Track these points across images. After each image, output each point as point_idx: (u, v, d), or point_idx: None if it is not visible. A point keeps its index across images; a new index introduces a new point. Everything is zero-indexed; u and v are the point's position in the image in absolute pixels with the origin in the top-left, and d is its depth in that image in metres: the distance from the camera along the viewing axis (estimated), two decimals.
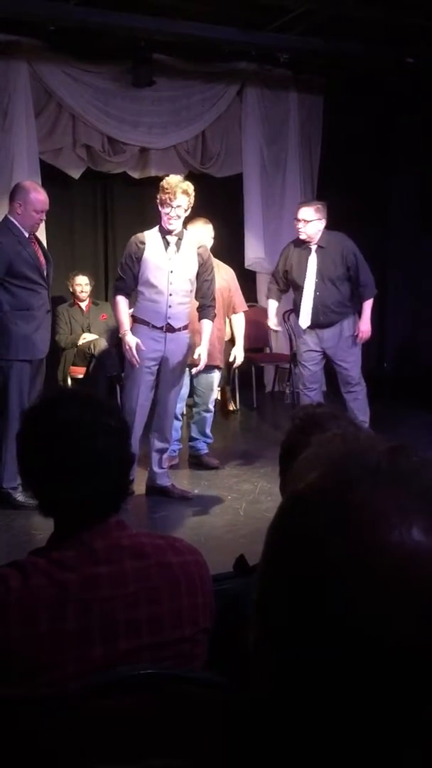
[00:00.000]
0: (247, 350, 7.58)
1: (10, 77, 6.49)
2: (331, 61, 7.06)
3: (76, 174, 7.01)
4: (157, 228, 4.44)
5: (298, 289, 5.44)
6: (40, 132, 6.69)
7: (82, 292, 6.80)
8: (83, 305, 6.79)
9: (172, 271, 4.36)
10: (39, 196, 4.51)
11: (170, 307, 4.37)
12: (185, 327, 4.53)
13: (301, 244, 5.40)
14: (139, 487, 4.71)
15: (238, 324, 5.49)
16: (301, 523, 0.57)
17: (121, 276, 4.50)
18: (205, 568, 1.46)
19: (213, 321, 4.68)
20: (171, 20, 6.10)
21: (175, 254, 4.38)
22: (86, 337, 6.66)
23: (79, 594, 1.29)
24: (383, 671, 0.53)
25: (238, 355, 5.43)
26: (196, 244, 4.50)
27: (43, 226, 6.69)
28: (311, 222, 5.26)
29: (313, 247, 5.33)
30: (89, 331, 6.72)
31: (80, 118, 6.80)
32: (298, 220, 5.30)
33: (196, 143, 7.42)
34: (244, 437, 6.59)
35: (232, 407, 7.17)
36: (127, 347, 4.34)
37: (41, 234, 6.72)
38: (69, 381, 6.72)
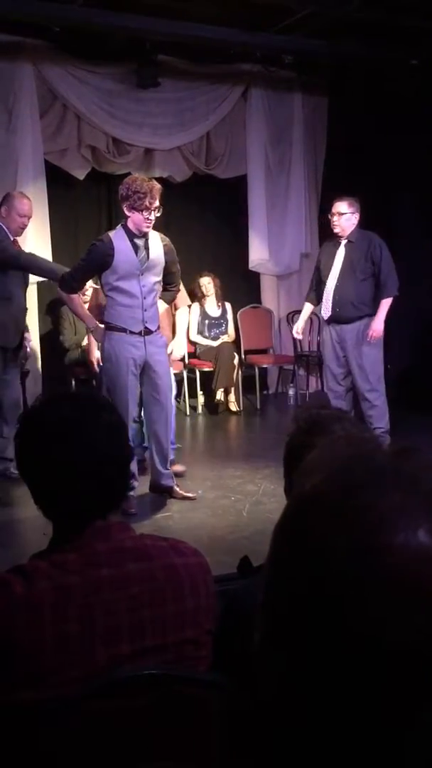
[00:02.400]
0: (250, 352, 7.62)
1: (15, 78, 6.50)
2: (336, 62, 7.06)
3: (80, 175, 7.02)
4: (121, 230, 4.31)
5: (323, 282, 5.47)
6: (45, 133, 6.70)
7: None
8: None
9: (142, 274, 4.31)
10: (24, 200, 4.86)
11: (145, 310, 4.33)
12: (158, 327, 4.53)
13: (334, 240, 5.47)
14: (141, 488, 4.73)
15: (182, 318, 5.36)
16: (306, 525, 0.57)
17: (78, 277, 4.43)
18: (208, 571, 1.45)
19: (169, 303, 4.78)
20: (176, 21, 6.11)
21: (145, 257, 4.32)
22: None
23: (82, 597, 1.28)
24: (389, 673, 0.53)
25: (175, 349, 5.17)
26: (161, 240, 4.43)
27: (47, 224, 6.75)
28: (345, 215, 5.34)
29: (343, 242, 5.40)
30: None
31: (85, 119, 6.81)
32: (333, 214, 5.37)
33: (200, 144, 7.42)
34: (248, 439, 6.59)
35: (235, 408, 7.17)
36: (94, 358, 4.83)
37: (45, 233, 6.75)
38: (73, 381, 6.72)
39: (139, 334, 4.33)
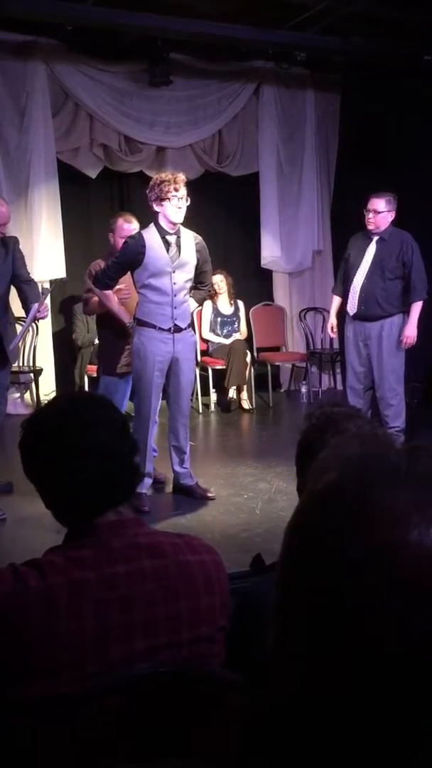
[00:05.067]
0: (263, 349, 7.62)
1: (27, 77, 6.53)
2: (348, 59, 7.04)
3: (93, 173, 7.04)
4: (153, 228, 4.33)
5: (351, 278, 5.42)
6: (57, 132, 6.72)
7: None
8: None
9: (174, 271, 4.33)
10: (1, 209, 4.50)
11: (175, 308, 4.35)
12: (189, 325, 4.55)
13: (366, 235, 5.40)
14: (162, 487, 4.77)
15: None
16: (320, 523, 0.57)
17: (110, 274, 4.40)
18: (222, 568, 1.46)
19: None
20: (187, 19, 6.11)
21: (176, 255, 4.32)
22: None
23: (97, 593, 1.29)
24: (405, 671, 0.53)
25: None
26: (193, 239, 4.44)
27: (59, 224, 6.78)
28: (381, 213, 5.27)
29: (375, 238, 5.34)
30: None
31: (97, 117, 6.83)
32: (368, 210, 5.29)
33: (212, 142, 7.43)
34: (260, 436, 6.59)
35: (247, 406, 7.17)
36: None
37: (57, 232, 6.78)
38: (86, 379, 6.75)
39: (169, 331, 4.35)
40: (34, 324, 5.14)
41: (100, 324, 4.95)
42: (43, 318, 4.69)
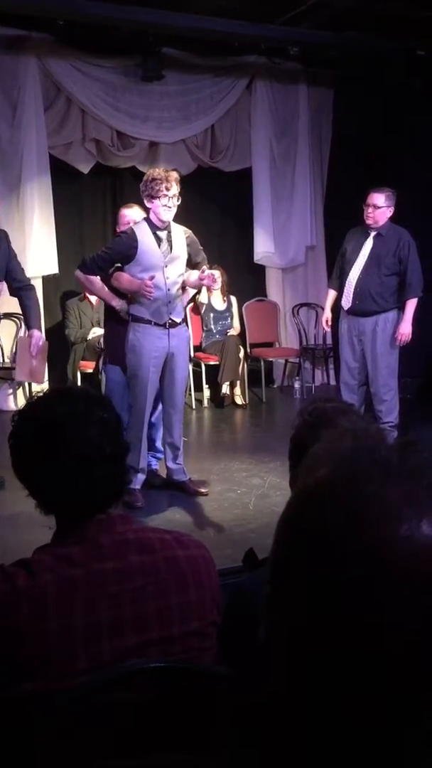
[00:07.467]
0: (256, 345, 7.62)
1: (19, 72, 6.50)
2: (342, 53, 7.03)
3: (85, 168, 7.01)
4: (143, 223, 4.35)
5: (346, 272, 5.41)
6: (49, 127, 6.70)
7: None
8: (93, 299, 6.78)
9: (166, 266, 4.32)
10: None
11: (170, 302, 4.35)
12: (184, 320, 4.55)
13: (363, 229, 5.40)
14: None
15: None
16: (311, 517, 0.58)
17: (99, 263, 4.38)
18: (212, 563, 1.46)
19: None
20: (180, 14, 6.09)
21: (168, 250, 4.33)
22: (96, 332, 6.67)
23: (87, 589, 1.29)
24: (393, 663, 0.53)
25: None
26: (183, 233, 4.45)
27: (52, 219, 6.75)
28: (381, 209, 5.26)
29: (372, 233, 5.33)
30: (99, 325, 6.71)
31: (89, 112, 6.81)
32: (368, 205, 5.28)
33: (205, 137, 7.41)
34: (253, 432, 6.59)
35: (241, 402, 7.17)
36: (145, 286, 4.16)
37: (50, 227, 6.76)
38: (79, 375, 6.73)
39: (164, 326, 4.34)
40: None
41: (107, 314, 4.89)
42: (39, 345, 4.60)
